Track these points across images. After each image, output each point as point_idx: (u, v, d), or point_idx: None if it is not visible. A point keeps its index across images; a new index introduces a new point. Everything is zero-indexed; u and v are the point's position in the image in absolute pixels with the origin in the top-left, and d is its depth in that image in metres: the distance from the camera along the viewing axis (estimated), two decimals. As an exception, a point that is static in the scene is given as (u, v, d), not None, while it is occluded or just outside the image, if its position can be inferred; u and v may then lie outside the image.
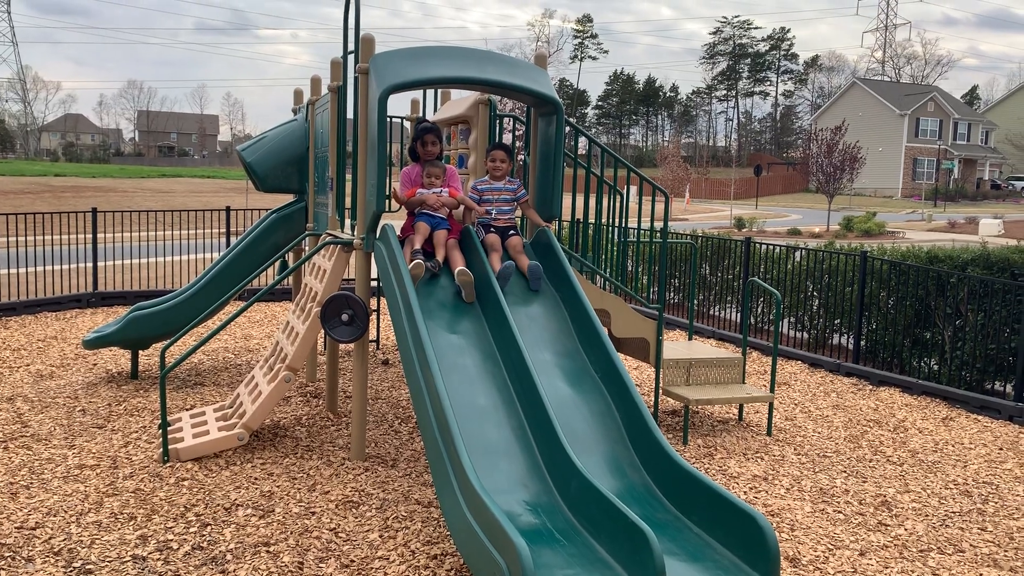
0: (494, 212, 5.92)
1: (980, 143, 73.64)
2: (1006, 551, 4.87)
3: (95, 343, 7.76)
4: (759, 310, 11.55)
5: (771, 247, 11.13)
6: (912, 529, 5.13)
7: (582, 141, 8.48)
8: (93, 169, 56.43)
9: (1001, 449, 6.80)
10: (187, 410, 6.85)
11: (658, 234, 7.32)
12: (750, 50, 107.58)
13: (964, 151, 70.61)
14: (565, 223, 11.93)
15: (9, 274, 11.98)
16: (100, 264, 12.19)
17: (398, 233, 5.65)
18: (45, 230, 12.10)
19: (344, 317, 5.83)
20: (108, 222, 12.80)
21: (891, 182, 68.84)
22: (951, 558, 4.75)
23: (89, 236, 12.03)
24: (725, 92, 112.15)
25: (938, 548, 4.88)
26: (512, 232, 5.90)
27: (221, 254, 8.24)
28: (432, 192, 5.82)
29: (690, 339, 8.48)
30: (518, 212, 6.20)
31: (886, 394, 8.42)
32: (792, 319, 10.78)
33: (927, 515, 5.37)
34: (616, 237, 7.21)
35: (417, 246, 5.55)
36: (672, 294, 12.88)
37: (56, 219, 12.30)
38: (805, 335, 10.64)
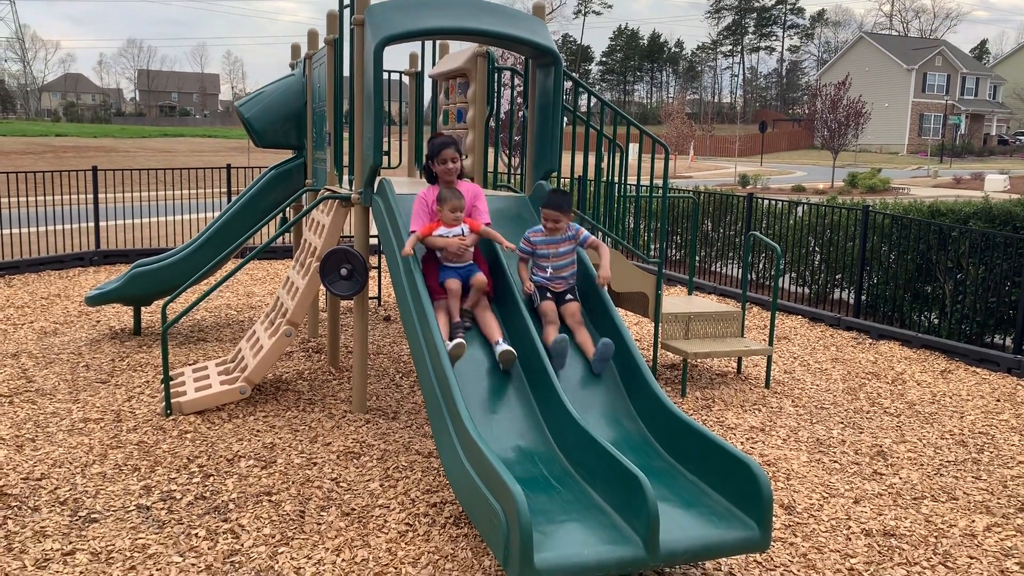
0: (550, 270, 5.00)
1: (988, 98, 72.85)
2: (999, 498, 4.93)
3: (97, 300, 7.81)
4: (761, 266, 11.55)
5: (773, 202, 11.09)
6: (907, 478, 5.19)
7: (583, 98, 8.43)
8: (94, 129, 56.17)
9: (998, 401, 6.84)
10: (189, 365, 6.91)
11: (659, 189, 7.30)
12: (756, 4, 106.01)
13: (972, 106, 69.88)
14: (565, 180, 11.89)
15: (12, 233, 12.00)
16: (102, 224, 12.20)
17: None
18: (47, 189, 12.09)
19: (343, 272, 5.84)
20: (109, 181, 12.77)
21: (897, 138, 68.26)
22: (944, 505, 4.81)
23: (91, 196, 12.03)
24: (731, 47, 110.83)
25: (932, 496, 4.94)
26: (569, 297, 5.02)
27: (221, 211, 8.24)
28: (453, 235, 4.91)
29: (690, 294, 8.50)
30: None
31: (886, 347, 8.45)
32: (793, 274, 10.79)
33: (922, 464, 5.42)
34: (617, 192, 7.19)
35: (456, 317, 4.75)
36: (674, 251, 12.87)
37: (58, 178, 12.28)
38: (806, 290, 10.66)
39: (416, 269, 4.88)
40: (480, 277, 4.83)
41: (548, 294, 4.97)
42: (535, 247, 5.07)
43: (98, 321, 8.51)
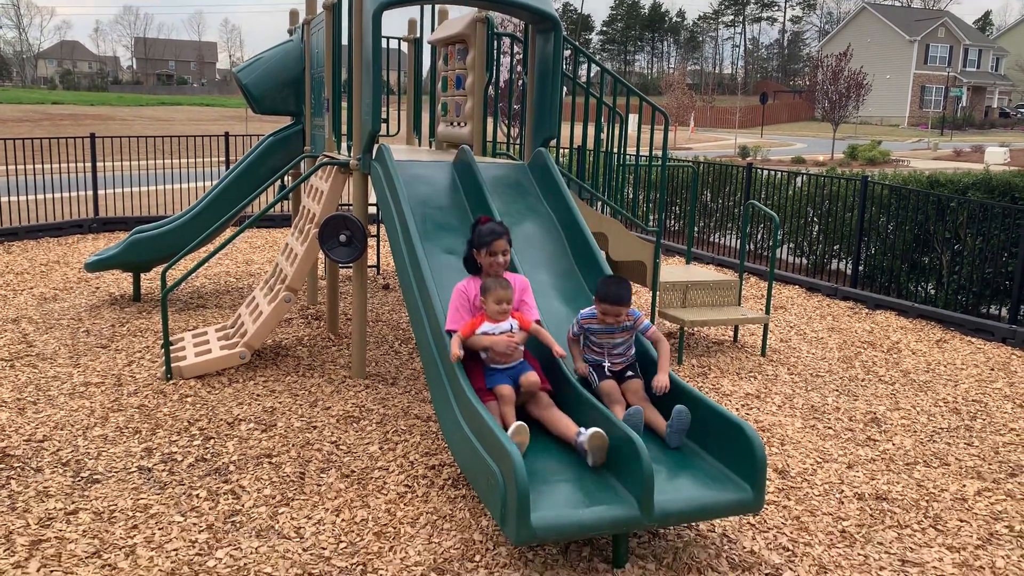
0: (605, 355, 4.37)
1: (990, 70, 72.45)
2: (990, 464, 5.00)
3: (97, 266, 7.83)
4: (759, 236, 11.56)
5: (772, 172, 11.08)
6: (900, 444, 5.25)
7: (583, 68, 8.37)
8: (91, 97, 55.82)
9: (992, 370, 6.90)
10: (189, 330, 6.94)
11: (658, 158, 7.30)
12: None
13: (973, 78, 69.51)
14: (564, 149, 11.87)
15: (10, 200, 11.98)
16: (100, 192, 12.17)
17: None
18: (45, 157, 12.05)
19: (342, 238, 5.86)
20: (107, 149, 12.73)
21: (898, 110, 67.95)
22: (936, 471, 4.87)
23: (88, 164, 12.00)
24: (732, 18, 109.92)
25: (924, 461, 5.00)
26: (631, 374, 4.37)
27: (220, 178, 8.24)
28: (501, 333, 4.15)
29: (688, 263, 8.52)
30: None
31: (882, 317, 8.49)
32: (791, 245, 10.81)
33: (915, 431, 5.48)
34: (616, 162, 7.18)
35: (511, 421, 3.96)
36: (672, 221, 12.88)
37: (55, 145, 12.24)
38: (804, 260, 10.68)
39: (415, 233, 4.89)
40: (531, 376, 4.09)
41: (607, 373, 4.35)
42: (588, 335, 4.42)
43: (97, 287, 8.54)
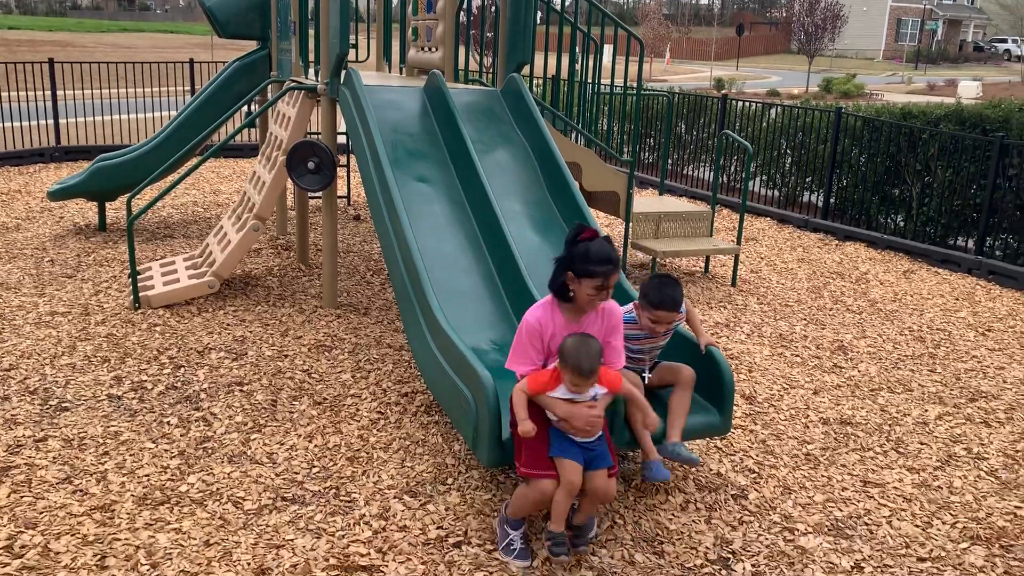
0: (648, 375, 3.82)
1: (967, 3, 72.02)
2: (952, 390, 5.11)
3: (60, 194, 7.66)
4: (732, 168, 11.55)
5: (747, 104, 11.02)
6: (865, 371, 5.34)
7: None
8: (49, 23, 53.90)
9: (957, 299, 7.01)
10: (157, 260, 6.85)
11: (633, 88, 7.20)
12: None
13: (949, 11, 69.12)
14: (539, 79, 11.69)
15: (-33, 128, 11.63)
16: (62, 121, 11.83)
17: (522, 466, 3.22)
18: (1, 84, 11.64)
19: (310, 165, 5.76)
20: (68, 77, 12.32)
21: (873, 43, 67.55)
22: (899, 396, 4.98)
23: (48, 93, 11.62)
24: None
25: (888, 388, 5.10)
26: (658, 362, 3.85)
27: (185, 104, 8.03)
28: (583, 400, 3.13)
29: (661, 194, 8.50)
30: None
31: (851, 248, 8.57)
32: (764, 177, 10.82)
33: (881, 359, 5.58)
34: (590, 92, 7.08)
35: (562, 514, 3.13)
36: (647, 154, 12.81)
37: (12, 71, 11.84)
38: (776, 193, 10.71)
39: (386, 159, 4.81)
40: (604, 482, 3.13)
41: (645, 383, 3.77)
42: (625, 344, 3.52)
43: (62, 217, 8.36)
